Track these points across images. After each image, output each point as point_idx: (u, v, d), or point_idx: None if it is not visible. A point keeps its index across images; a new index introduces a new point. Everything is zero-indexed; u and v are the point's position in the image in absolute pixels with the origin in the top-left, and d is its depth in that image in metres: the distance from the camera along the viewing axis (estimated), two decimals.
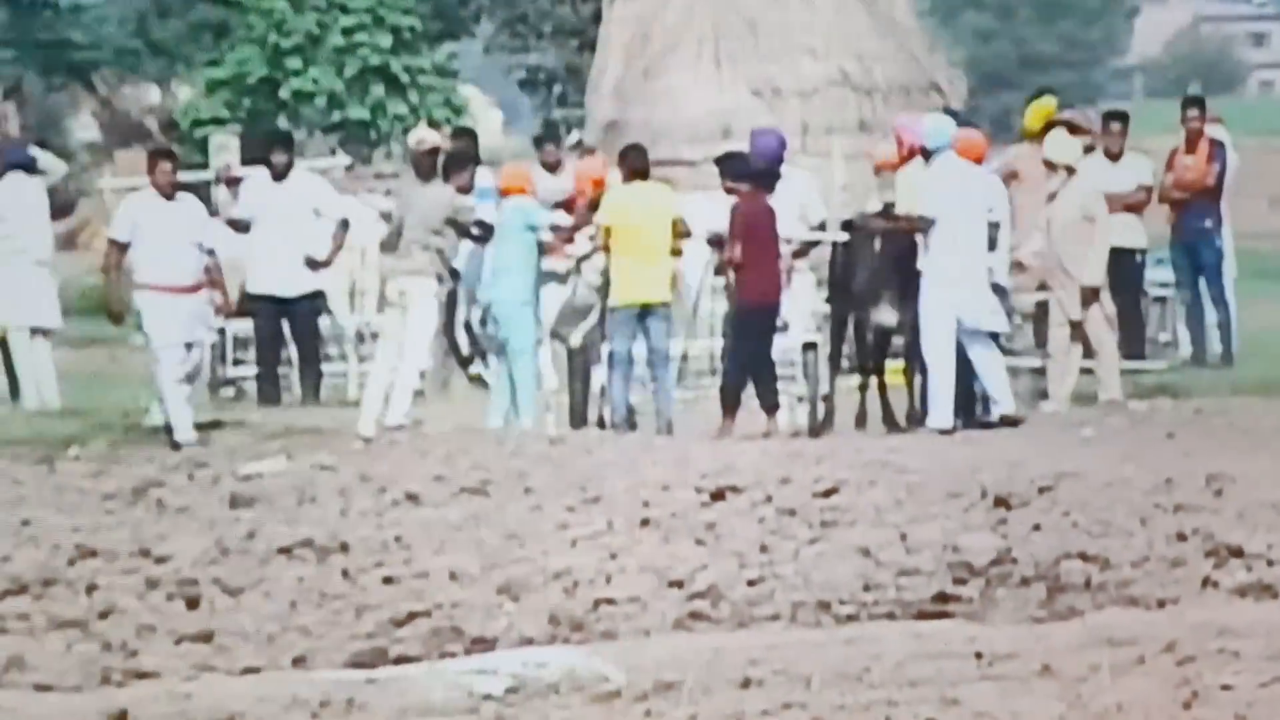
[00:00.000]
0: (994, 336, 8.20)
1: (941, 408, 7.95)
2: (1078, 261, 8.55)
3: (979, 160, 8.43)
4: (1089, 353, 8.73)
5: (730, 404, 8.04)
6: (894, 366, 8.54)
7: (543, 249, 8.10)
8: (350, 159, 13.32)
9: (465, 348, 8.56)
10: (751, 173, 8.28)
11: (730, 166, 8.36)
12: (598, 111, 12.66)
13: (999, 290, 8.33)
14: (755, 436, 7.75)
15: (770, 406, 8.07)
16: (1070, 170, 8.64)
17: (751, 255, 8.04)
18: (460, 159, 8.49)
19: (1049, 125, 9.71)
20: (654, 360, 8.13)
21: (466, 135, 10.29)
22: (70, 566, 4.91)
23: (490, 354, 8.17)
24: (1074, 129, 9.46)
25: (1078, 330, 8.61)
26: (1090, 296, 8.59)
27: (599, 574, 4.66)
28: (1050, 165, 8.69)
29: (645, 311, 8.04)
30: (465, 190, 8.15)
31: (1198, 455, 6.36)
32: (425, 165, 9.84)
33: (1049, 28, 37.11)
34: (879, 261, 8.29)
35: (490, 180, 9.05)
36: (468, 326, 8.38)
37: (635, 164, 8.28)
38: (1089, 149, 9.39)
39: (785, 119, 11.16)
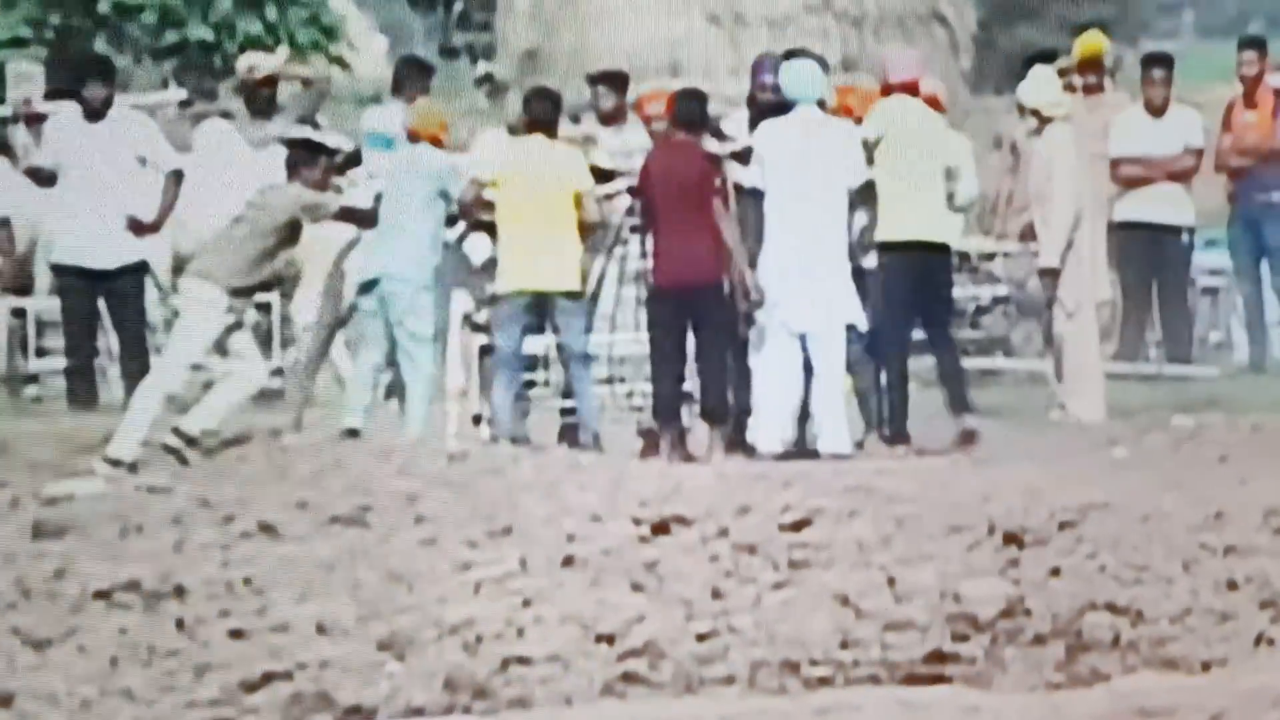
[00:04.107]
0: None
1: (767, 430, 7.73)
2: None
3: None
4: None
5: (665, 418, 7.80)
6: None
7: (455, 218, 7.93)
8: (187, 92, 13.23)
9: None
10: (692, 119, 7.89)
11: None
12: (512, 38, 12.69)
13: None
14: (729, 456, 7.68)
15: (710, 415, 7.83)
16: (1044, 119, 8.30)
17: (665, 223, 7.77)
18: (308, 147, 7.87)
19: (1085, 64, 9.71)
20: (568, 362, 7.99)
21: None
22: None
23: (361, 340, 8.07)
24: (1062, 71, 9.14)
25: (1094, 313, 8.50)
26: (1048, 281, 8.39)
27: (509, 626, 4.71)
28: (1024, 112, 8.48)
29: (543, 302, 7.87)
30: (320, 186, 7.71)
31: (1254, 484, 6.50)
32: (260, 100, 9.62)
33: None
34: None
35: (387, 122, 8.80)
36: (352, 309, 8.14)
37: (537, 113, 8.06)
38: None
39: (750, 54, 11.25)
